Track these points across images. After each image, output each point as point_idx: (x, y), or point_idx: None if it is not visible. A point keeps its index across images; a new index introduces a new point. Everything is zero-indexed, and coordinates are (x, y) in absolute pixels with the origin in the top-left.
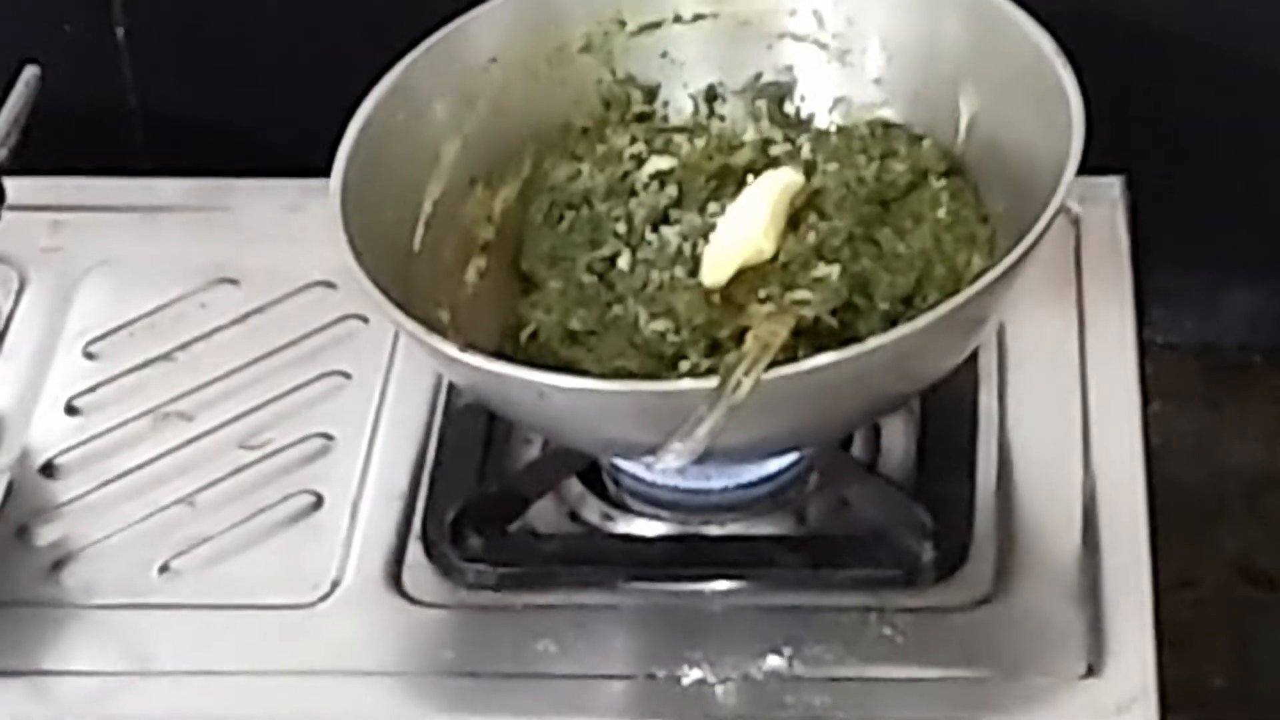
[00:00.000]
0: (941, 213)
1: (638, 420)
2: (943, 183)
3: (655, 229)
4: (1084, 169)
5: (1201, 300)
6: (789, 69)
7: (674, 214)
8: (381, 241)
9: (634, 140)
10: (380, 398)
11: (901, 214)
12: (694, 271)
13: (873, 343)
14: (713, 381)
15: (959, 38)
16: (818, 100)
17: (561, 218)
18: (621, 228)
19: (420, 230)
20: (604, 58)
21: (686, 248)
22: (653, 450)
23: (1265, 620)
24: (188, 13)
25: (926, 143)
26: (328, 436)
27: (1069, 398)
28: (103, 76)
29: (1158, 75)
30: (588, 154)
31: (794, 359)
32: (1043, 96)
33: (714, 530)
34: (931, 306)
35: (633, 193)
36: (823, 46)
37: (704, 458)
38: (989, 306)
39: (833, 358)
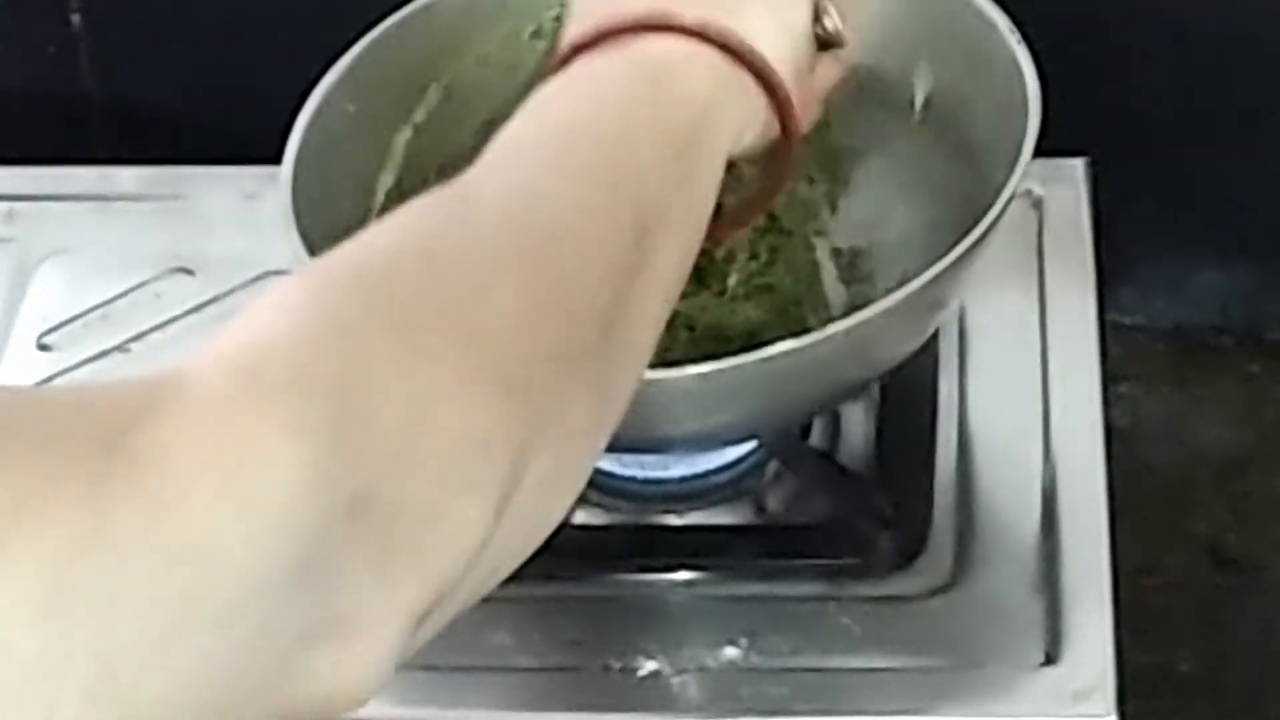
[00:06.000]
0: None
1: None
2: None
3: None
4: (1047, 151)
5: (1172, 281)
6: None
7: None
8: (335, 236)
9: None
10: None
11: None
12: None
13: (830, 329)
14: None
15: (914, 13)
16: None
17: None
18: None
19: (373, 222)
20: (555, 43)
21: None
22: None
23: (1234, 605)
24: None
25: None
26: None
27: (1030, 382)
28: (58, 63)
29: (1124, 54)
30: None
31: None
32: (999, 76)
33: (671, 520)
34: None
35: None
36: None
37: (662, 446)
38: (947, 290)
39: (790, 345)
